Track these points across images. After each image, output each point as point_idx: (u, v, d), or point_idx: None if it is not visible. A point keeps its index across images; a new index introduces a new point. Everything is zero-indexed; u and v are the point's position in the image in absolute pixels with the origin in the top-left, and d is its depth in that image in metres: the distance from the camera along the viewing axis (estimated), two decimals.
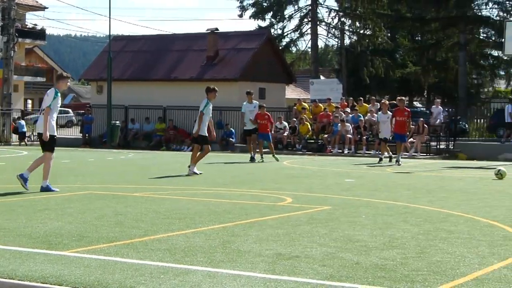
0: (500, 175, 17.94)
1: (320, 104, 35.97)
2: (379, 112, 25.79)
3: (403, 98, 25.40)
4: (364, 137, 31.28)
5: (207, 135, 18.52)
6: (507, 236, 8.95)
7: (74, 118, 59.25)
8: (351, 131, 31.56)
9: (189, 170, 18.24)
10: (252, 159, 24.45)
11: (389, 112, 24.53)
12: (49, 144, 13.78)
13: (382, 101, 27.57)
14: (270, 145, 25.91)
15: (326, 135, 32.67)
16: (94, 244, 8.00)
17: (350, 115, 32.81)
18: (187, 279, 6.32)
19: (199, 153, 18.57)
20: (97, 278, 6.29)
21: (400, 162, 23.49)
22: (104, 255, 7.37)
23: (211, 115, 18.90)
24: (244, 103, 25.60)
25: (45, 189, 13.59)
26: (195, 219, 10.14)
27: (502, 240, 8.62)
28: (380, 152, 26.46)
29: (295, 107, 37.55)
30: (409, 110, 25.03)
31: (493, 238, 8.78)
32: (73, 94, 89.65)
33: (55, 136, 14.02)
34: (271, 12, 55.30)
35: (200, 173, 18.12)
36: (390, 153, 24.69)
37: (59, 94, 13.83)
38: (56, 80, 14.61)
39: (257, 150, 25.00)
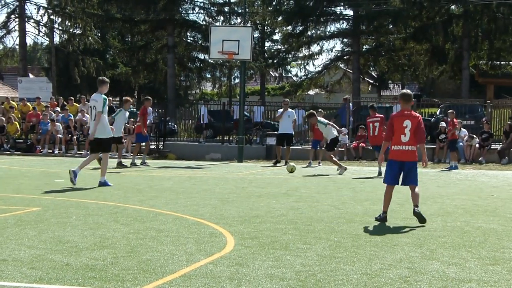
0: (291, 168, 21.16)
1: (29, 103, 34.99)
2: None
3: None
4: (75, 137, 30.91)
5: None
6: (213, 233, 9.36)
7: None
8: (62, 130, 31.06)
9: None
10: None
11: None
12: (108, 145, 16.30)
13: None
14: None
15: (35, 135, 31.86)
16: None
17: (60, 115, 32.28)
18: None
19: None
20: None
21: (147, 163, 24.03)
22: None
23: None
24: None
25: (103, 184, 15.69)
26: None
27: (209, 237, 9.01)
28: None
29: (2, 106, 36.18)
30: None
31: (200, 235, 9.14)
32: None
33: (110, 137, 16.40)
34: None
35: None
36: None
37: (106, 98, 15.93)
38: (100, 85, 16.44)
39: None
